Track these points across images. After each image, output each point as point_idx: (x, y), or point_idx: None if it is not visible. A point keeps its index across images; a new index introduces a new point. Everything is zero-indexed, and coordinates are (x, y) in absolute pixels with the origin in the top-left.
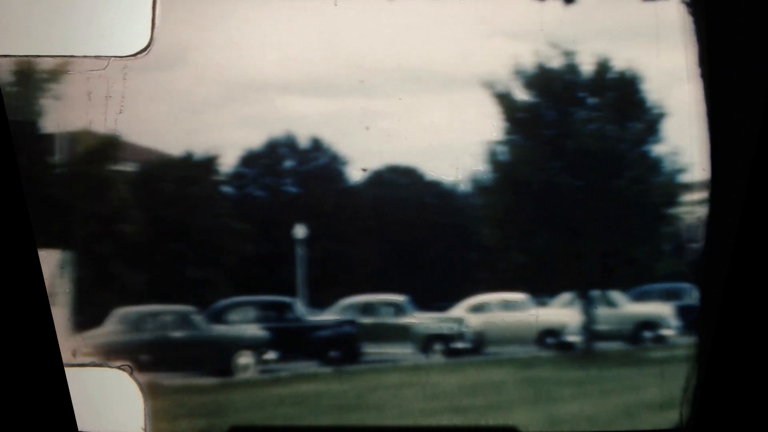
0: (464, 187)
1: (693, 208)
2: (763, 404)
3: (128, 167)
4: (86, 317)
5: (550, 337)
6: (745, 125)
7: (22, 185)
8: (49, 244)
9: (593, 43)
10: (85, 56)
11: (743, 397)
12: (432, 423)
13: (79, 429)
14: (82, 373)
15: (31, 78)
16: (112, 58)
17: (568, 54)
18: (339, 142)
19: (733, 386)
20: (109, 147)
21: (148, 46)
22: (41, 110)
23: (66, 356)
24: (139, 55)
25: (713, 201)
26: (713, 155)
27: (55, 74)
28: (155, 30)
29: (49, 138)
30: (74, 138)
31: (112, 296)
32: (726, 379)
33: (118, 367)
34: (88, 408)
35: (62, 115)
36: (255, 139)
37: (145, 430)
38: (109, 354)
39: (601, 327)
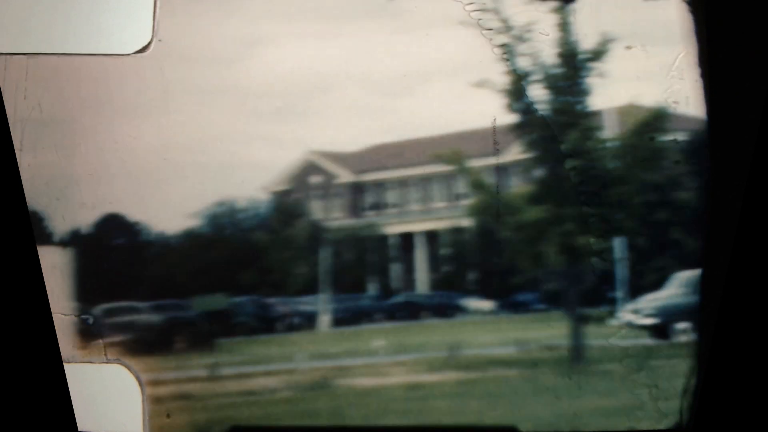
0: None
1: None
2: (762, 404)
3: (677, 136)
4: (646, 281)
5: None
6: (745, 125)
7: (22, 185)
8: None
9: None
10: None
11: (743, 398)
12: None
13: (79, 429)
14: (81, 370)
15: (576, 58)
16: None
17: None
18: None
19: (733, 386)
20: (658, 119)
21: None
22: (587, 89)
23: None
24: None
25: (713, 201)
26: (713, 155)
27: (599, 54)
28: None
29: (597, 114)
30: (622, 113)
31: (670, 261)
32: (726, 379)
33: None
34: (87, 407)
35: (608, 92)
36: None
37: (143, 426)
38: (673, 315)
39: None
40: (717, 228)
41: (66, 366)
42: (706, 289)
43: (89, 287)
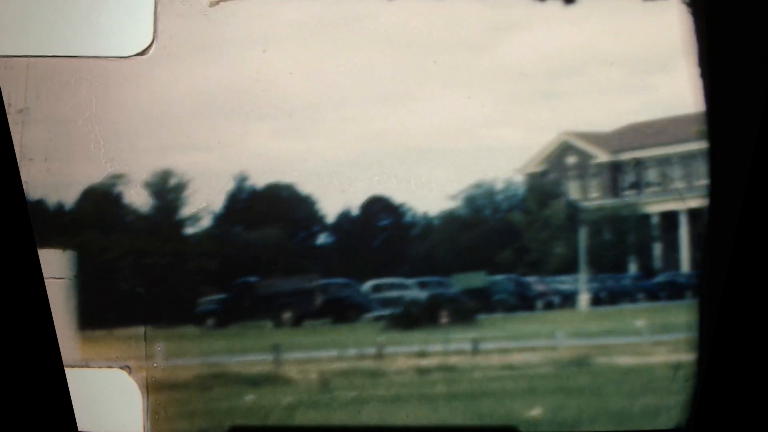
0: None
1: None
2: (762, 405)
3: None
4: None
5: None
6: (745, 125)
7: (22, 185)
8: None
9: None
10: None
11: (743, 398)
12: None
13: (79, 429)
14: (82, 373)
15: None
16: None
17: None
18: None
19: (733, 386)
20: None
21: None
22: None
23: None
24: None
25: (713, 201)
26: (713, 155)
27: None
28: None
29: None
30: None
31: None
32: (726, 379)
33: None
34: (87, 409)
35: None
36: None
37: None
38: None
39: None
40: (717, 228)
41: (68, 370)
42: (706, 289)
43: (358, 264)
